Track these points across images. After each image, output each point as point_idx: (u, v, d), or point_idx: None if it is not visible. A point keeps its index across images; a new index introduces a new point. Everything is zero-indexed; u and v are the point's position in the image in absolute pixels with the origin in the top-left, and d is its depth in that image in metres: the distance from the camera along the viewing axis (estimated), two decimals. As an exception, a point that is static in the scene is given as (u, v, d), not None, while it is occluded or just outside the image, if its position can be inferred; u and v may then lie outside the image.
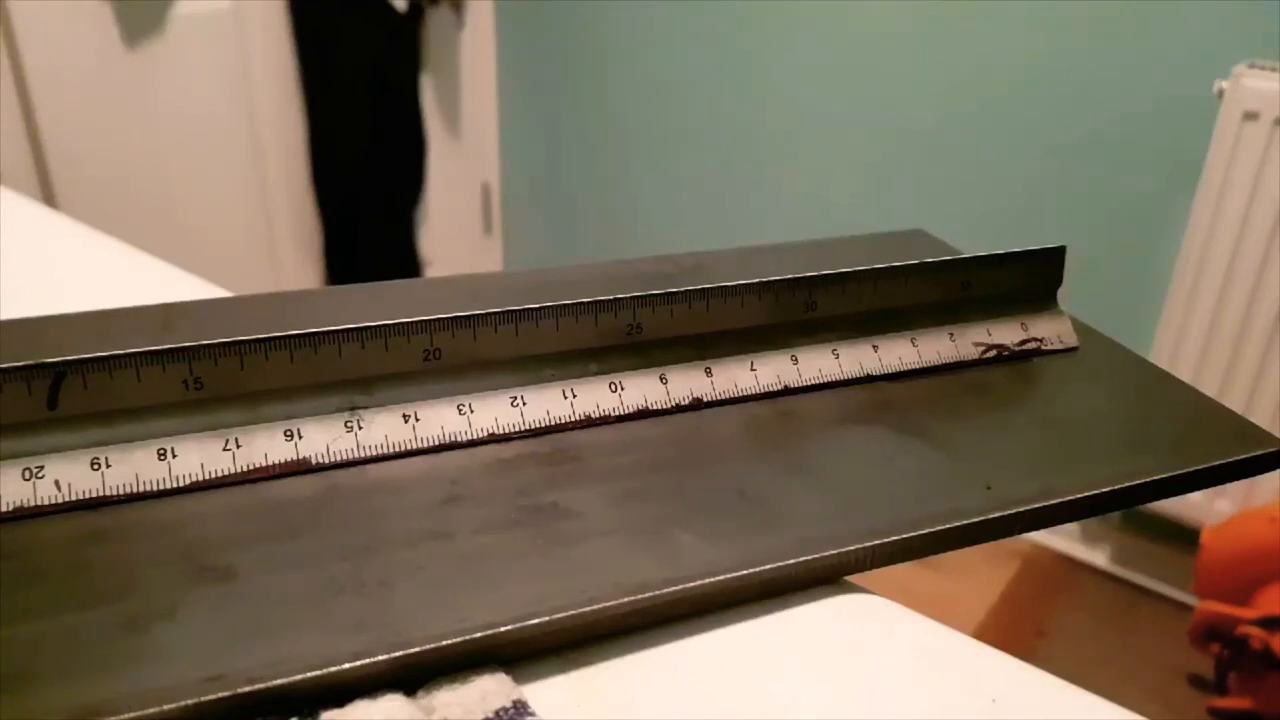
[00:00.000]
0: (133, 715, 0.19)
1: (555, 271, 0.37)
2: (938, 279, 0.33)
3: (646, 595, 0.22)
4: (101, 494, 0.24)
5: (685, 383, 0.30)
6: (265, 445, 0.25)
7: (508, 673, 0.21)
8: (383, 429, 0.27)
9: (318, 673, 0.20)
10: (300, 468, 0.26)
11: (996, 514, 0.26)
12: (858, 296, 0.32)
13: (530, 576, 0.23)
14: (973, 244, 0.37)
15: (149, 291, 0.34)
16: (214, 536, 0.23)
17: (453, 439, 0.27)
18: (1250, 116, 1.00)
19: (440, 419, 0.27)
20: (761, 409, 0.30)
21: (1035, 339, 0.34)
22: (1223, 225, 1.04)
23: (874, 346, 0.32)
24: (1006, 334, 0.34)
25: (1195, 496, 1.15)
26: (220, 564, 0.22)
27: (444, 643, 0.21)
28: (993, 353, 0.33)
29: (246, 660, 0.20)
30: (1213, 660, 1.03)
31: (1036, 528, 0.27)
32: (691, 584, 0.23)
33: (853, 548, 0.24)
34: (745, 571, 0.23)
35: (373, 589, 0.22)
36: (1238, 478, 0.30)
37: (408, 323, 0.27)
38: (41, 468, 0.24)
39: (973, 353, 0.33)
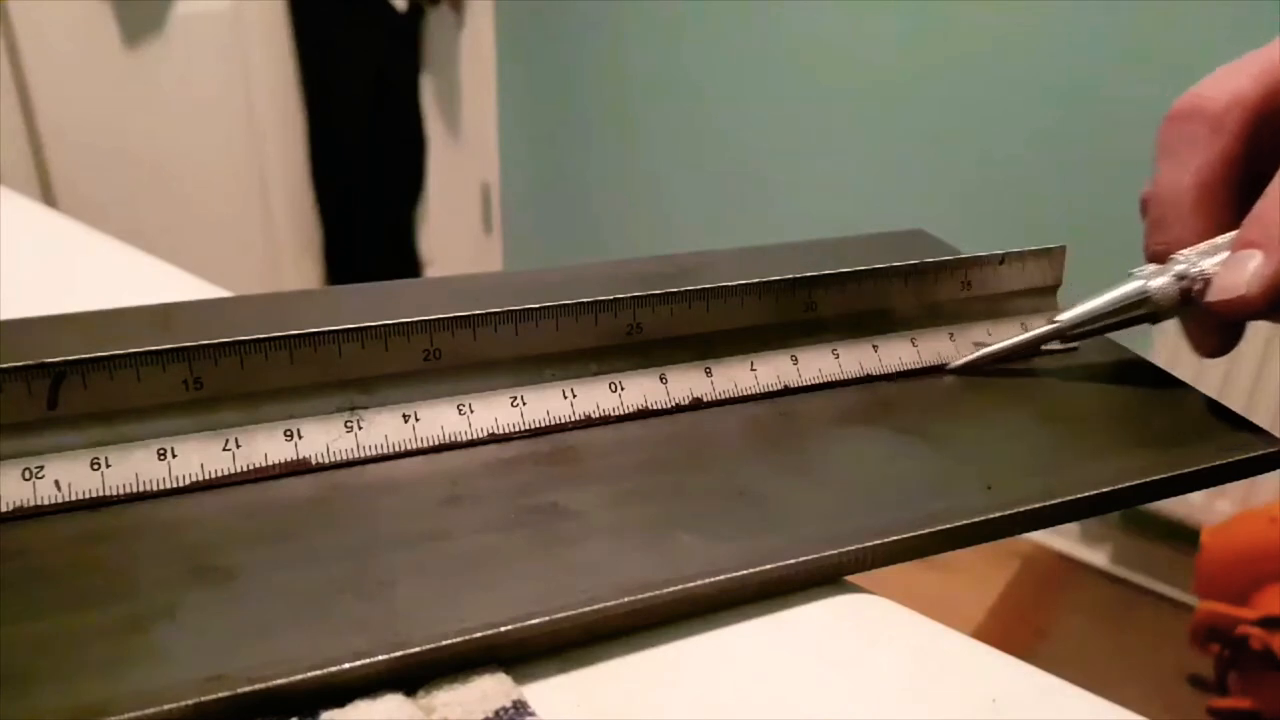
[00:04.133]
0: (133, 715, 0.19)
1: (555, 271, 0.37)
2: (938, 279, 0.33)
3: (646, 595, 0.22)
4: (101, 494, 0.24)
5: (685, 383, 0.30)
6: (265, 445, 0.25)
7: (508, 673, 0.21)
8: (383, 429, 0.26)
9: (318, 673, 0.20)
10: (300, 468, 0.26)
11: (996, 514, 0.26)
12: (858, 296, 0.32)
13: (530, 576, 0.23)
14: (973, 244, 0.37)
15: (149, 291, 0.34)
16: (214, 536, 0.23)
17: (453, 439, 0.27)
18: (1250, 116, 1.00)
19: (440, 419, 0.27)
20: (761, 409, 0.30)
21: (1035, 339, 0.34)
22: (1223, 225, 1.04)
23: (874, 346, 0.32)
24: (1006, 334, 0.34)
25: (1195, 496, 1.15)
26: (220, 564, 0.22)
27: (444, 643, 0.21)
28: (993, 353, 0.33)
29: (246, 660, 0.20)
30: (1213, 660, 1.03)
31: (1036, 528, 0.27)
32: (691, 584, 0.23)
33: (853, 548, 0.24)
34: (745, 571, 0.23)
35: (373, 589, 0.22)
36: (1238, 478, 0.30)
37: (408, 323, 0.27)
38: (41, 468, 0.24)
39: (973, 352, 0.33)
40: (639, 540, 0.24)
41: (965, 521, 0.26)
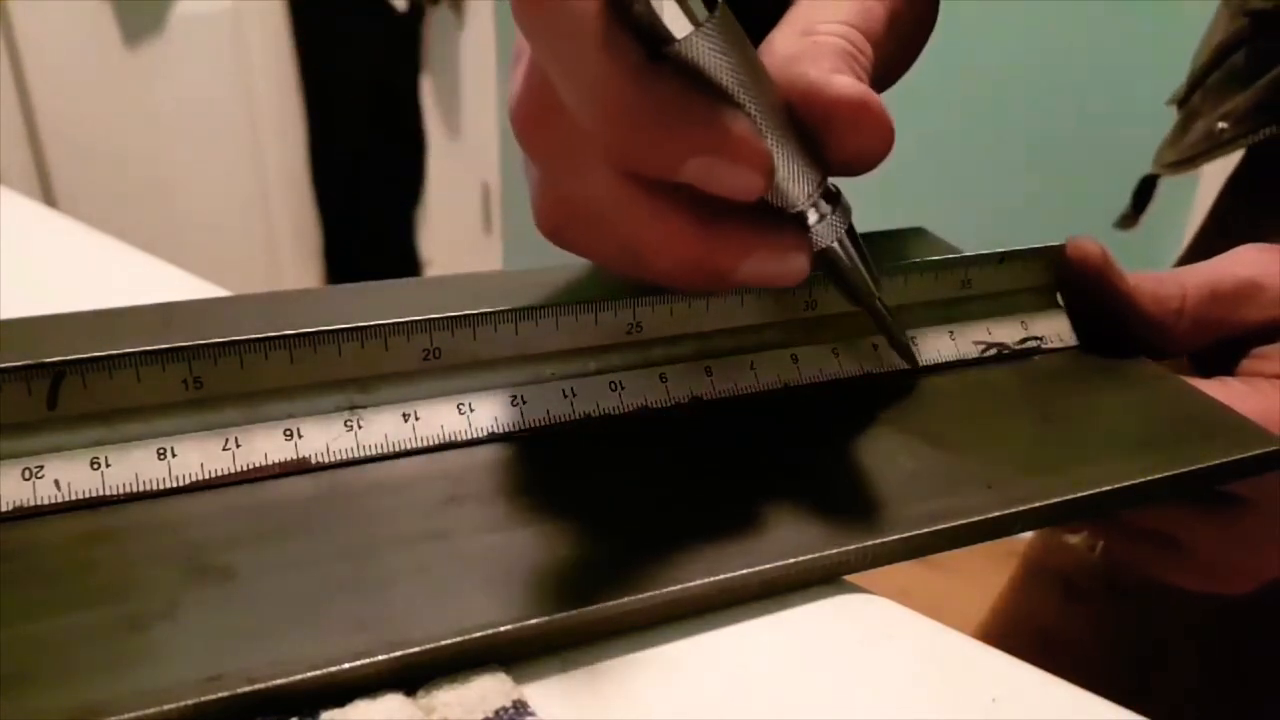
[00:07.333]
0: (133, 715, 0.19)
1: (555, 271, 0.37)
2: (938, 277, 0.33)
3: (646, 595, 0.22)
4: (101, 494, 0.24)
5: (685, 382, 0.30)
6: (265, 445, 0.25)
7: (508, 673, 0.21)
8: (383, 428, 0.26)
9: (318, 673, 0.20)
10: (300, 467, 0.26)
11: (996, 513, 0.26)
12: (858, 296, 0.32)
13: (530, 576, 0.23)
14: (973, 244, 0.37)
15: (149, 291, 0.34)
16: (214, 536, 0.23)
17: (453, 438, 0.27)
18: (1250, 116, 1.00)
19: (440, 418, 0.27)
20: (761, 408, 0.30)
21: (1035, 337, 0.34)
22: (1223, 225, 1.04)
23: (874, 345, 0.32)
24: (1006, 332, 0.34)
25: (1195, 496, 1.14)
26: (220, 564, 0.22)
27: (444, 642, 0.21)
28: (993, 351, 0.33)
29: (246, 660, 0.20)
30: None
31: (1036, 527, 0.27)
32: (691, 584, 0.23)
33: (853, 547, 0.24)
34: (745, 571, 0.23)
35: (373, 589, 0.22)
36: (1238, 478, 0.30)
37: (408, 322, 0.27)
38: (41, 468, 0.24)
39: (973, 351, 0.33)
40: (639, 540, 0.24)
41: (965, 521, 0.26)
